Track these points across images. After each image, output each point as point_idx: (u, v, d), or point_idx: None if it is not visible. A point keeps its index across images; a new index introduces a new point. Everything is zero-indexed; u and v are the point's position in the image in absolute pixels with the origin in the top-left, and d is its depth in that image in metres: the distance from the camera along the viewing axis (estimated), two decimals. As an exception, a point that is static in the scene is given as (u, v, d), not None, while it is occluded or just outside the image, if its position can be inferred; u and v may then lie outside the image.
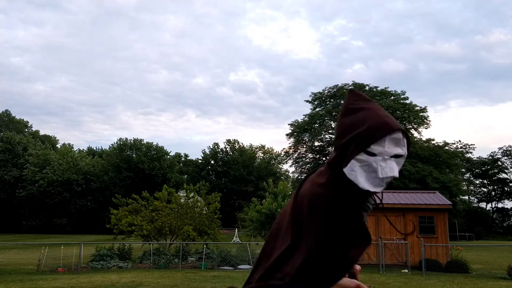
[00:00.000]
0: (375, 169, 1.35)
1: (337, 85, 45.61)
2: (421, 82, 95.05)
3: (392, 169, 1.36)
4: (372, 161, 1.36)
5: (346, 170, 1.41)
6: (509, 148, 56.49)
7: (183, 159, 75.97)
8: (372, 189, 1.36)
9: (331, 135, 46.64)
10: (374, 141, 1.36)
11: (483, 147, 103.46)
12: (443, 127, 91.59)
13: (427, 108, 43.50)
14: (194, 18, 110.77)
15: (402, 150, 1.37)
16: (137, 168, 57.61)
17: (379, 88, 44.20)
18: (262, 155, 70.59)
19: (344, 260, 1.33)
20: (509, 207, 58.33)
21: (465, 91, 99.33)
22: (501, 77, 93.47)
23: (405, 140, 1.38)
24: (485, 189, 59.78)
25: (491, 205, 59.48)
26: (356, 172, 1.38)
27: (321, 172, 1.52)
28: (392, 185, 34.97)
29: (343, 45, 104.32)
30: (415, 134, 43.98)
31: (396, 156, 1.37)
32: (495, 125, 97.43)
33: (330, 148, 47.46)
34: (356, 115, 1.43)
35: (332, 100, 45.27)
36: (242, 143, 68.88)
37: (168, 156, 63.27)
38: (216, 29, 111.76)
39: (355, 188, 1.38)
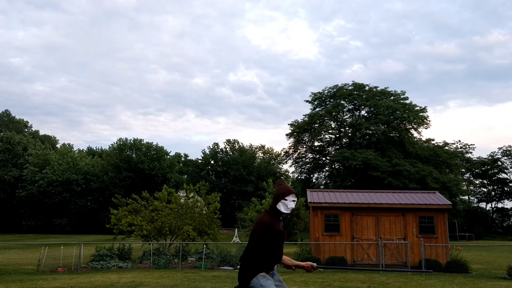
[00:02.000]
0: (287, 205, 3.66)
1: (337, 85, 45.63)
2: (420, 82, 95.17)
3: (292, 205, 3.71)
4: (286, 203, 3.66)
5: (277, 206, 3.68)
6: (509, 148, 56.51)
7: (183, 159, 75.98)
8: (285, 212, 3.71)
9: (331, 135, 46.67)
10: (284, 196, 3.68)
11: (483, 147, 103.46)
12: (443, 127, 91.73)
13: (427, 108, 43.53)
14: (193, 18, 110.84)
15: (296, 198, 3.81)
16: (137, 168, 57.62)
17: (379, 88, 44.22)
18: (262, 155, 70.62)
19: (278, 254, 3.64)
20: (509, 207, 58.39)
21: (464, 91, 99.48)
22: (499, 78, 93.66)
23: (294, 195, 3.78)
24: (485, 189, 59.81)
25: (491, 205, 59.53)
26: (280, 206, 3.67)
27: (266, 211, 3.78)
28: (392, 185, 34.99)
29: (342, 46, 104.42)
30: (415, 134, 44.01)
31: (294, 201, 3.75)
32: (494, 125, 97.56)
33: (330, 148, 47.51)
34: (278, 188, 3.81)
35: (332, 100, 45.27)
36: (242, 143, 68.97)
37: (168, 156, 63.27)
38: (215, 30, 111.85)
39: (279, 212, 3.68)
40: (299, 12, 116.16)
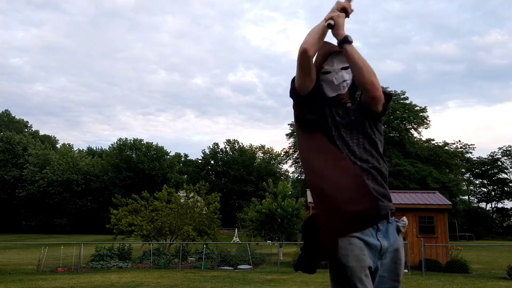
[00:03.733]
0: (332, 81, 2.12)
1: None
2: (419, 82, 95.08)
3: (342, 76, 2.11)
4: (328, 77, 2.13)
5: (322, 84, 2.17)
6: (509, 148, 56.50)
7: (183, 159, 75.95)
8: (332, 94, 2.12)
9: (331, 135, 46.67)
10: (323, 62, 2.17)
11: (482, 147, 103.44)
12: (442, 127, 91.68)
13: (427, 108, 43.51)
14: (192, 19, 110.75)
15: (346, 63, 2.11)
16: (137, 168, 57.58)
17: (379, 88, 44.22)
18: (262, 155, 70.56)
19: None
20: (509, 207, 58.36)
21: (463, 91, 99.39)
22: (499, 78, 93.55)
23: (340, 56, 2.13)
24: (485, 189, 59.78)
25: (491, 205, 59.51)
26: (322, 86, 2.15)
27: None
28: (392, 185, 35.00)
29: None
30: (415, 134, 43.99)
31: (344, 68, 2.12)
32: (494, 126, 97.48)
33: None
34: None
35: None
36: (242, 143, 68.92)
37: (168, 156, 63.23)
38: (215, 30, 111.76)
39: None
40: (298, 13, 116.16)
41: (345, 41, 2.08)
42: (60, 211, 54.77)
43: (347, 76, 2.10)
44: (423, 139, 44.63)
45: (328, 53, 2.17)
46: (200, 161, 68.65)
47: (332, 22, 2.17)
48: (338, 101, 2.12)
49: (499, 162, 56.80)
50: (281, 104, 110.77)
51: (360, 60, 1.99)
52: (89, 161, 60.50)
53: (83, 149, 73.30)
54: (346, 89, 2.11)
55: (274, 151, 70.17)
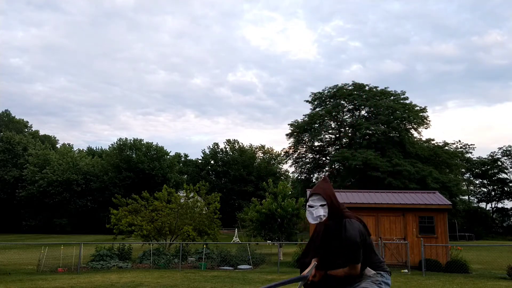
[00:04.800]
0: (312, 213, 3.10)
1: (337, 85, 45.58)
2: (418, 82, 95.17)
3: (318, 212, 3.08)
4: (311, 210, 3.12)
5: (306, 214, 3.18)
6: (509, 148, 56.48)
7: (183, 159, 75.96)
8: (312, 222, 3.15)
9: (330, 135, 46.63)
10: (307, 201, 3.18)
11: (483, 147, 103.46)
12: (442, 127, 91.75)
13: (426, 108, 43.48)
14: (192, 19, 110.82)
15: (323, 201, 3.10)
16: (137, 168, 57.59)
17: (379, 88, 44.18)
18: (262, 155, 70.57)
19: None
20: (509, 207, 58.33)
21: (462, 91, 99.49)
22: (498, 78, 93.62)
23: (319, 196, 3.11)
24: (485, 189, 59.77)
25: (491, 205, 59.49)
26: (307, 215, 3.15)
27: None
28: (392, 185, 34.95)
29: (340, 46, 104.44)
30: (415, 134, 43.96)
31: (322, 206, 3.09)
32: (493, 125, 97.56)
33: (330, 148, 47.46)
34: None
35: (332, 100, 45.24)
36: (242, 143, 68.93)
37: (168, 156, 63.24)
38: (214, 30, 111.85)
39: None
40: (298, 13, 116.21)
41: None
42: (60, 211, 54.78)
43: (323, 211, 3.07)
44: (423, 139, 44.60)
45: (311, 193, 3.18)
46: (200, 161, 68.65)
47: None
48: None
49: (499, 162, 56.78)
50: (281, 104, 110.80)
51: (340, 275, 3.10)
52: (89, 161, 60.51)
53: (83, 149, 73.38)
54: (322, 220, 3.09)
55: (274, 151, 70.24)
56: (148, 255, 16.20)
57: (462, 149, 51.84)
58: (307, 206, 3.14)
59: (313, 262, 3.15)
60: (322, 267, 3.12)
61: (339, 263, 3.06)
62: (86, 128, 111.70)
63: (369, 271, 3.15)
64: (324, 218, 3.05)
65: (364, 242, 3.07)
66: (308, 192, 18.12)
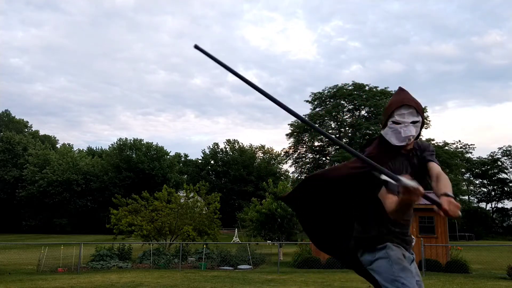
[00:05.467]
0: (400, 131, 2.34)
1: (337, 85, 45.60)
2: (418, 82, 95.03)
3: (410, 130, 2.33)
4: (398, 127, 2.35)
5: (382, 132, 2.46)
6: (509, 148, 56.51)
7: (183, 159, 75.97)
8: (398, 144, 2.36)
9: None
10: (391, 111, 2.37)
11: (483, 147, 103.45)
12: (442, 127, 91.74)
13: (426, 108, 43.49)
14: (191, 19, 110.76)
15: (417, 118, 2.36)
16: (137, 168, 57.59)
17: (379, 88, 44.20)
18: (262, 155, 70.56)
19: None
20: (509, 207, 58.35)
21: (462, 91, 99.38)
22: (498, 78, 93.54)
23: (416, 111, 2.34)
24: (485, 189, 59.78)
25: (491, 205, 59.50)
26: (388, 134, 2.40)
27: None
28: (392, 185, 35.01)
29: (340, 46, 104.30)
30: (415, 134, 44.03)
31: (414, 122, 2.34)
32: (493, 126, 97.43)
33: (330, 148, 47.47)
34: (389, 100, 2.47)
35: (332, 100, 45.25)
36: (242, 143, 68.94)
37: (168, 156, 63.24)
38: (214, 30, 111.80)
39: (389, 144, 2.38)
40: (297, 13, 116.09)
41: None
42: (60, 211, 54.78)
43: (414, 131, 2.36)
44: (423, 139, 44.64)
45: (401, 103, 2.38)
46: (200, 161, 68.65)
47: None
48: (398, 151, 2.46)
49: (499, 162, 56.80)
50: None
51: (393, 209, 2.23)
52: (89, 161, 60.51)
53: (83, 149, 73.37)
54: (410, 143, 2.40)
55: (274, 151, 70.22)
56: (148, 255, 16.20)
57: (462, 149, 51.87)
58: (389, 123, 2.38)
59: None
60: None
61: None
62: (86, 128, 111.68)
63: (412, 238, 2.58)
64: (413, 140, 2.39)
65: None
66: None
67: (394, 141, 2.36)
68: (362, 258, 2.52)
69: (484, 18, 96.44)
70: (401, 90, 2.45)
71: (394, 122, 2.35)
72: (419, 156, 2.45)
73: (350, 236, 2.58)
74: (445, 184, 2.18)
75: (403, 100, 2.36)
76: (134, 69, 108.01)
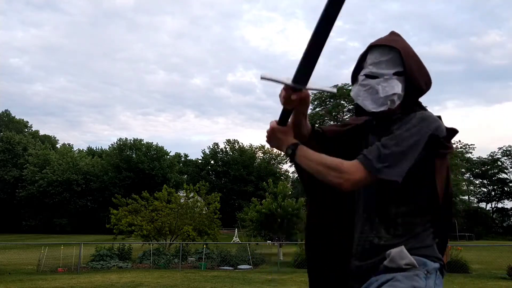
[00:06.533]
0: (377, 90, 1.52)
1: (337, 85, 45.57)
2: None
3: (393, 86, 1.52)
4: (374, 84, 1.53)
5: (352, 94, 1.61)
6: (509, 148, 56.51)
7: (183, 159, 75.96)
8: (375, 109, 1.54)
9: (331, 135, 46.65)
10: (363, 59, 1.59)
11: (483, 147, 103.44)
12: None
13: (427, 108, 43.48)
14: (191, 19, 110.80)
15: (400, 66, 1.55)
16: (137, 168, 57.59)
17: (379, 88, 44.22)
18: (262, 155, 70.55)
19: None
20: (509, 207, 58.37)
21: (461, 92, 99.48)
22: (497, 78, 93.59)
23: (392, 54, 1.54)
24: (485, 189, 59.77)
25: (491, 205, 59.50)
26: (361, 96, 1.58)
27: None
28: (392, 185, 35.01)
29: (339, 46, 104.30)
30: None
31: (397, 74, 1.54)
32: (493, 126, 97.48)
33: (330, 148, 47.49)
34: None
35: (332, 100, 45.23)
36: (242, 143, 68.94)
37: (168, 156, 63.24)
38: (214, 30, 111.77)
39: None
40: (296, 13, 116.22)
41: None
42: (60, 211, 54.78)
43: (399, 87, 1.54)
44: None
45: (374, 45, 1.59)
46: (200, 161, 68.65)
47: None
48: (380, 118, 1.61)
49: (499, 162, 56.79)
50: (280, 104, 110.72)
51: (310, 167, 1.49)
52: (89, 161, 60.50)
53: (83, 149, 73.34)
54: (395, 105, 1.56)
55: (274, 151, 70.14)
56: (148, 255, 16.20)
57: (462, 149, 51.83)
58: (361, 78, 1.59)
59: None
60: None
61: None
62: (86, 128, 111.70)
63: (404, 256, 1.44)
64: (398, 103, 1.57)
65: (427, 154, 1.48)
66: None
67: (369, 105, 1.55)
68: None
69: (483, 19, 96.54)
70: (392, 33, 1.68)
71: (367, 76, 1.56)
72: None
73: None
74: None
75: (380, 40, 1.58)
76: (134, 69, 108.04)
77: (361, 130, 1.69)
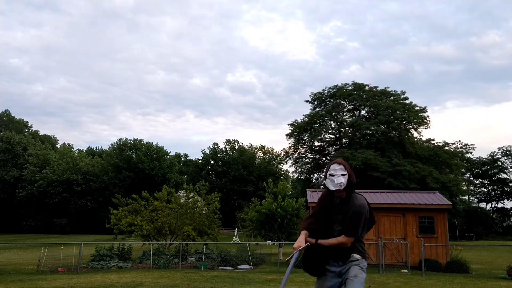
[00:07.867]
0: (334, 180, 3.31)
1: (337, 85, 45.57)
2: (417, 83, 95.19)
3: (339, 180, 3.30)
4: (332, 178, 3.33)
5: (324, 182, 3.42)
6: (509, 148, 56.53)
7: (183, 159, 75.98)
8: (333, 189, 3.33)
9: (330, 135, 46.63)
10: (328, 168, 3.41)
11: (483, 147, 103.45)
12: (441, 127, 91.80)
13: (426, 108, 43.45)
14: (190, 19, 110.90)
15: (344, 171, 3.34)
16: (137, 168, 57.60)
17: (379, 88, 44.17)
18: (262, 155, 70.57)
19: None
20: (509, 207, 58.44)
21: (461, 92, 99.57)
22: (496, 78, 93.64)
23: (342, 166, 3.38)
24: (485, 189, 59.80)
25: (491, 205, 59.54)
26: (327, 183, 3.37)
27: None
28: (392, 185, 34.94)
29: (339, 46, 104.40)
30: (415, 134, 43.95)
31: (343, 174, 3.32)
32: (492, 126, 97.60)
33: (330, 148, 47.46)
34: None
35: (332, 100, 45.23)
36: (242, 143, 68.93)
37: (168, 156, 63.23)
38: (213, 31, 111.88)
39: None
40: (296, 13, 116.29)
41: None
42: (60, 211, 54.79)
43: (343, 179, 3.30)
44: (423, 139, 44.59)
45: (334, 162, 3.43)
46: (200, 161, 68.65)
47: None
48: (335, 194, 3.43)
49: (499, 162, 56.81)
50: (280, 104, 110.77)
51: (329, 243, 3.35)
52: (89, 161, 60.51)
53: (83, 149, 73.40)
54: (342, 188, 3.30)
55: (274, 151, 70.22)
56: (148, 255, 16.20)
57: (462, 149, 51.80)
58: (328, 175, 3.37)
59: (303, 234, 3.41)
60: (320, 237, 3.37)
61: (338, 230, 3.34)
62: (86, 128, 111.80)
63: (356, 256, 3.36)
64: (344, 187, 3.29)
65: (366, 219, 3.35)
66: (308, 192, 18.12)
67: (330, 187, 3.32)
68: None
69: (483, 19, 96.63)
70: (340, 159, 3.55)
71: (330, 175, 3.35)
72: (351, 212, 3.33)
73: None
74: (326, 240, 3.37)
75: (335, 160, 3.45)
76: (134, 69, 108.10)
77: (329, 208, 3.42)
